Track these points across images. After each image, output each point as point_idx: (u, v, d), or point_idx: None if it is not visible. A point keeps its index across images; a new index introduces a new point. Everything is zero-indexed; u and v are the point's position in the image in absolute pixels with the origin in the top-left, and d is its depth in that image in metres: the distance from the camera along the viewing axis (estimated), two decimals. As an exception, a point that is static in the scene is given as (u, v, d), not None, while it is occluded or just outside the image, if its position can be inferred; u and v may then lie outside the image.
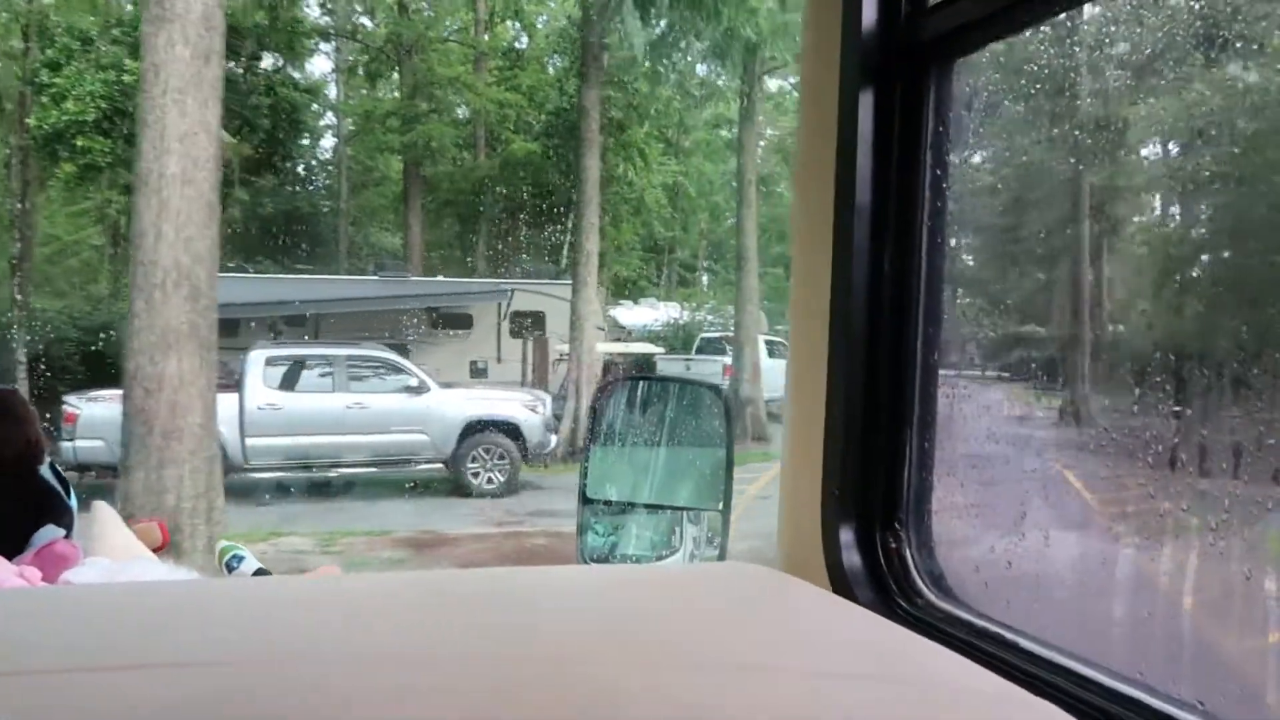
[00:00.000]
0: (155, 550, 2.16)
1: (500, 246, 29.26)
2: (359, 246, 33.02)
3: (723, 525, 1.68)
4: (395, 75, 27.48)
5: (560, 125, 26.11)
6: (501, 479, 13.97)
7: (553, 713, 0.63)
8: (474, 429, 13.91)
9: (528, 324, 21.79)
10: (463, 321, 22.06)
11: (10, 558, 1.90)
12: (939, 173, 1.22)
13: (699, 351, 26.43)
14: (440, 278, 24.47)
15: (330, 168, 34.41)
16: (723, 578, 1.15)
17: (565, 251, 27.35)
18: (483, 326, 22.00)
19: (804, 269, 1.34)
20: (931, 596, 1.21)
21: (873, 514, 1.26)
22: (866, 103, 1.21)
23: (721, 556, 1.67)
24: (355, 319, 20.36)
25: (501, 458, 14.00)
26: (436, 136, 24.34)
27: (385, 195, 30.41)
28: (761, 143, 39.87)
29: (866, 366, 1.24)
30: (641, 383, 2.00)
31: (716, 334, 26.98)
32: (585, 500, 1.82)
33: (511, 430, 14.08)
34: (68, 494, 2.20)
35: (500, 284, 22.62)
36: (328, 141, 34.05)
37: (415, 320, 21.43)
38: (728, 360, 23.68)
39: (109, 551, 2.03)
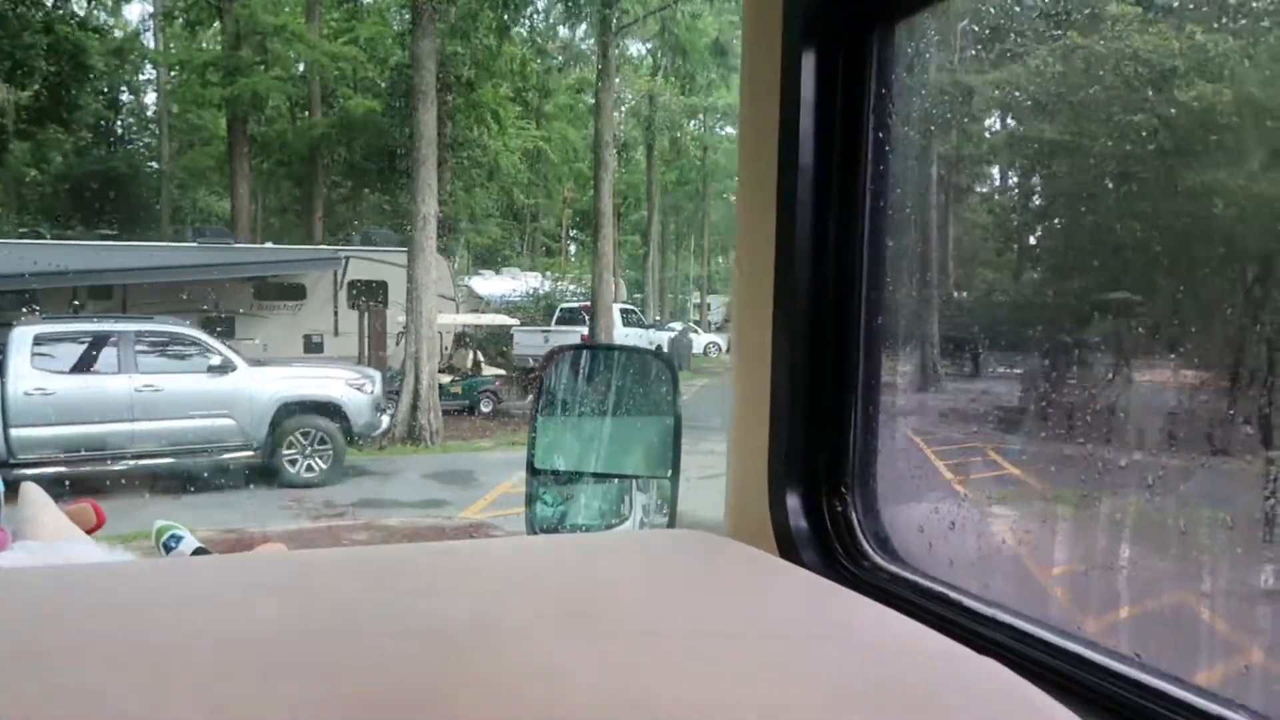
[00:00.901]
0: (89, 531, 2.06)
1: (341, 212, 27.38)
2: (185, 211, 30.52)
3: (672, 493, 1.63)
4: (218, 24, 25.05)
5: (404, 82, 24.38)
6: (323, 466, 12.57)
7: (494, 685, 0.62)
8: (289, 411, 12.42)
9: (368, 294, 20.23)
10: (295, 292, 20.31)
11: None
12: (881, 136, 1.21)
13: (559, 322, 25.39)
14: (269, 244, 22.50)
15: (152, 125, 31.65)
16: (668, 544, 1.12)
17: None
18: (318, 297, 20.32)
19: (749, 235, 1.32)
20: (877, 558, 1.23)
21: (819, 478, 1.26)
22: (809, 65, 1.20)
23: (671, 524, 1.62)
24: (173, 290, 18.43)
25: (323, 442, 12.58)
26: (262, 90, 22.24)
27: (213, 156, 27.95)
28: (624, 107, 39.11)
29: (811, 331, 1.24)
30: (587, 351, 1.95)
31: (576, 304, 25.96)
32: (533, 471, 1.75)
33: (333, 411, 12.66)
34: None
35: (335, 251, 20.91)
36: (151, 98, 31.33)
37: (242, 291, 19.66)
38: (586, 330, 22.78)
39: (39, 534, 1.96)
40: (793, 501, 1.26)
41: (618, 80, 36.06)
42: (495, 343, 25.14)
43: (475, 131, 27.66)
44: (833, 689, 0.64)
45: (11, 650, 0.65)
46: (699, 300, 51.31)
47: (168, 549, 2.01)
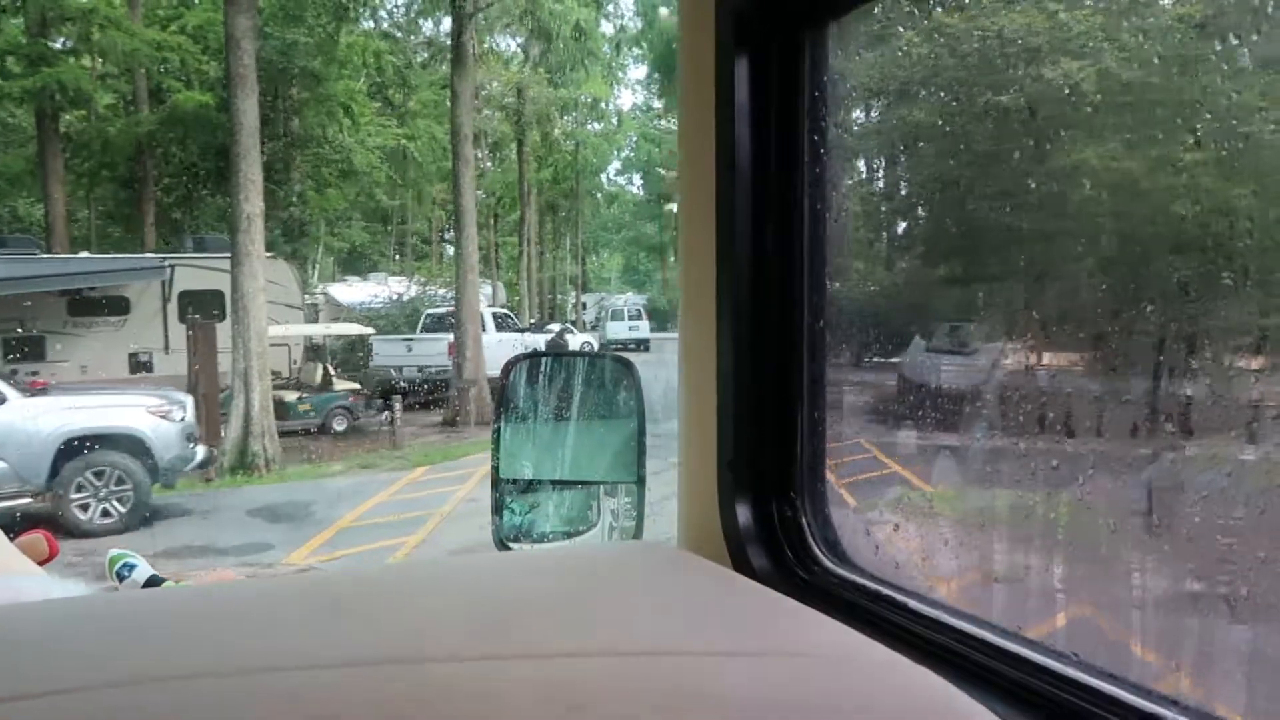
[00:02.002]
0: (41, 563, 1.85)
1: (177, 216, 25.02)
2: (2, 219, 27.54)
3: (638, 499, 1.63)
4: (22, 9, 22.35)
5: (242, 73, 22.36)
6: (123, 510, 10.77)
7: (431, 712, 0.62)
8: (76, 448, 10.57)
9: (203, 306, 18.27)
10: (117, 306, 18.24)
11: None
12: (816, 138, 1.23)
13: (425, 329, 23.68)
14: (84, 254, 20.14)
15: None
16: (617, 558, 1.10)
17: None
18: (144, 311, 18.30)
19: (690, 243, 1.34)
20: (828, 563, 1.23)
21: (767, 485, 1.27)
22: (742, 69, 1.21)
23: (638, 530, 1.62)
24: (-32, 309, 16.22)
25: (121, 482, 10.79)
26: (68, 81, 19.80)
27: (27, 158, 25.16)
28: (494, 105, 37.53)
29: (754, 338, 1.25)
30: (548, 359, 2.05)
31: (444, 309, 24.26)
32: (497, 480, 1.74)
33: (133, 445, 10.86)
34: None
35: (159, 259, 18.82)
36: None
37: (54, 306, 17.54)
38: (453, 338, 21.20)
39: None
40: (742, 508, 1.25)
41: (480, 71, 34.57)
42: (356, 354, 23.36)
43: (326, 129, 25.75)
44: (771, 706, 0.64)
45: None
46: (574, 300, 50.21)
47: (121, 578, 1.92)
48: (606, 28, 39.65)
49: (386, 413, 17.47)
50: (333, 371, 19.30)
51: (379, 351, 22.55)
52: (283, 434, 16.56)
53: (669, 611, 0.85)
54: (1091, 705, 0.83)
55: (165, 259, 18.82)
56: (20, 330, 17.65)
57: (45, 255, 18.48)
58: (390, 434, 16.93)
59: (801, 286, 1.23)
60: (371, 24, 30.45)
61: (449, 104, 26.12)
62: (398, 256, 41.49)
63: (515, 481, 1.79)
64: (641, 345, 37.28)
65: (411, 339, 23.02)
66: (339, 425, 18.10)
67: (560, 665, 0.69)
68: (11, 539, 1.88)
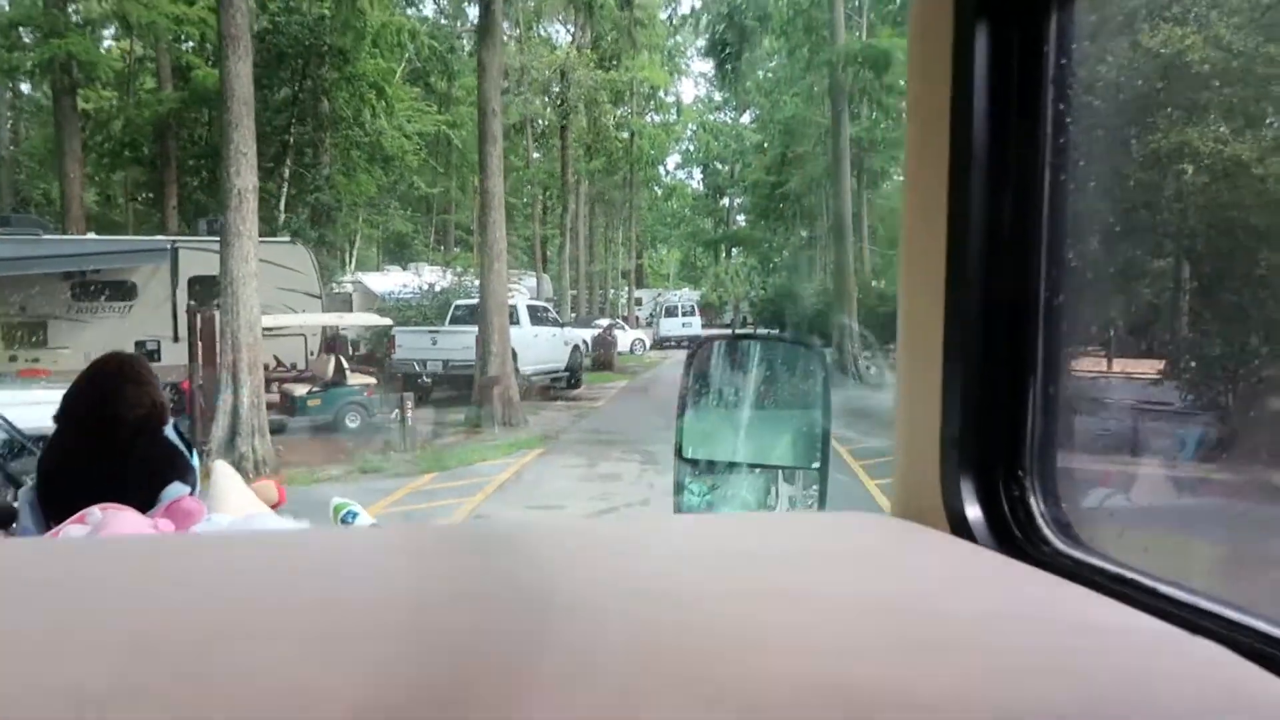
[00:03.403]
0: (273, 507, 2.19)
1: (202, 199, 24.13)
2: (33, 201, 27.00)
3: (820, 484, 1.65)
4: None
5: (268, 51, 21.31)
6: (70, 519, 9.55)
7: (690, 652, 0.64)
8: (13, 452, 9.37)
9: (215, 293, 17.22)
10: (123, 291, 17.28)
11: (141, 513, 2.07)
12: (1061, 108, 1.17)
13: (454, 321, 22.40)
14: (91, 235, 19.23)
15: (-7, 105, 28.10)
16: (841, 525, 1.17)
17: (281, 203, 22.70)
18: (152, 296, 17.32)
19: (918, 212, 1.30)
20: (1059, 544, 1.16)
21: (995, 462, 1.21)
22: (982, 41, 1.17)
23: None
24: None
25: (70, 489, 9.57)
26: (84, 55, 18.86)
27: (49, 136, 24.52)
28: (544, 93, 36.27)
29: (984, 311, 1.20)
30: (735, 342, 1.92)
31: (475, 301, 23.00)
32: (681, 458, 1.77)
33: (83, 448, 9.66)
34: (190, 453, 2.26)
35: (165, 240, 17.83)
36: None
37: (58, 290, 16.68)
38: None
39: (230, 508, 2.09)
40: (966, 485, 1.20)
41: (523, 53, 33.23)
42: (382, 346, 22.20)
43: (359, 111, 24.64)
44: (1038, 668, 0.63)
45: (202, 605, 0.72)
46: (627, 295, 48.77)
47: (345, 524, 2.09)
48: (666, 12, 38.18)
49: (396, 411, 16.18)
50: (346, 365, 18.06)
51: (402, 344, 21.35)
52: (289, 431, 15.41)
53: (907, 574, 0.85)
54: None
55: (173, 241, 17.80)
56: (21, 315, 16.78)
57: (47, 236, 17.57)
58: (400, 434, 15.63)
59: (1040, 261, 1.16)
60: (412, 10, 29.39)
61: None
62: (440, 246, 40.43)
63: (696, 461, 1.78)
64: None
65: (437, 331, 21.76)
66: (352, 422, 16.87)
67: (797, 616, 0.69)
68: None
